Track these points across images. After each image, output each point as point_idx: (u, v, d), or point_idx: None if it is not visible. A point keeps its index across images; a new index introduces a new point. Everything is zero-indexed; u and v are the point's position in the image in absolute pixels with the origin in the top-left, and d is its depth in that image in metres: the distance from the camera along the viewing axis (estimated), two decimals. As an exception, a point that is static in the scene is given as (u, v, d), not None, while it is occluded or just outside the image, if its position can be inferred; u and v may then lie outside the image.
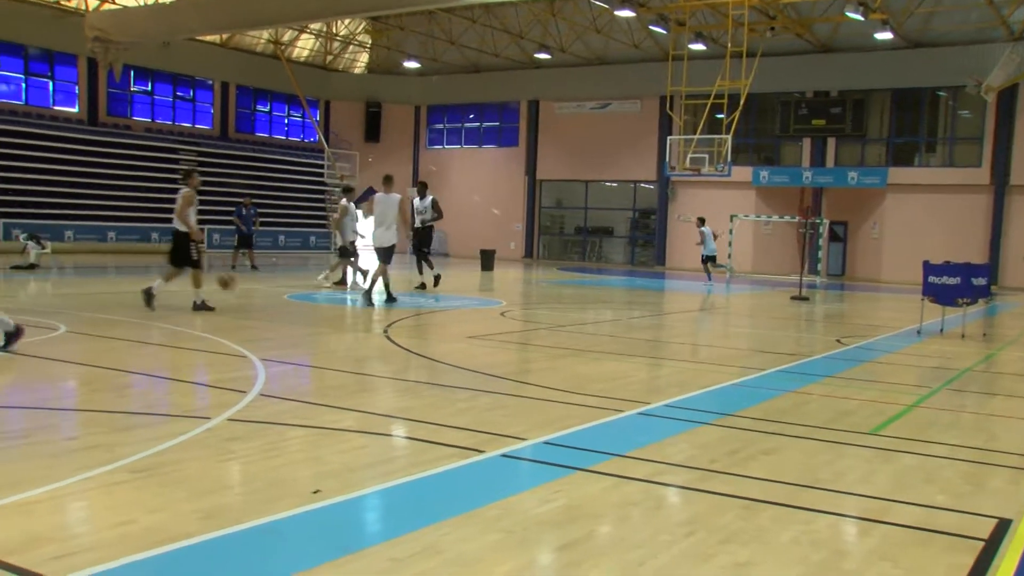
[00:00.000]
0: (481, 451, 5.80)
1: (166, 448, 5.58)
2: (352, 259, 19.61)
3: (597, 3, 36.00)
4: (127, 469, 5.11)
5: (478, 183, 45.47)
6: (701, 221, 27.90)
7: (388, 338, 11.63)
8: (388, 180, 16.33)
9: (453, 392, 7.91)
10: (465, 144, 47.30)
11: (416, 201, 19.58)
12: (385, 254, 16.03)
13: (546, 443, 6.11)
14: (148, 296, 13.37)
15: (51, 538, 4.10)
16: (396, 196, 16.03)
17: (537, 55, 41.25)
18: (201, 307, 13.63)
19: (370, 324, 13.72)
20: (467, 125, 47.28)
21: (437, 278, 19.52)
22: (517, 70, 44.14)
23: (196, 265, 13.79)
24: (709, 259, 27.76)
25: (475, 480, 5.32)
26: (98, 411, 6.64)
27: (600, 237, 44.63)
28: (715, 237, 28.35)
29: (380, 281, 16.24)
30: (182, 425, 6.22)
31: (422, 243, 19.73)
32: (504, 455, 5.77)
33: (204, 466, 5.35)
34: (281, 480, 5.04)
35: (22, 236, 26.07)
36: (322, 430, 6.23)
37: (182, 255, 13.70)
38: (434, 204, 19.47)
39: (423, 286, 19.48)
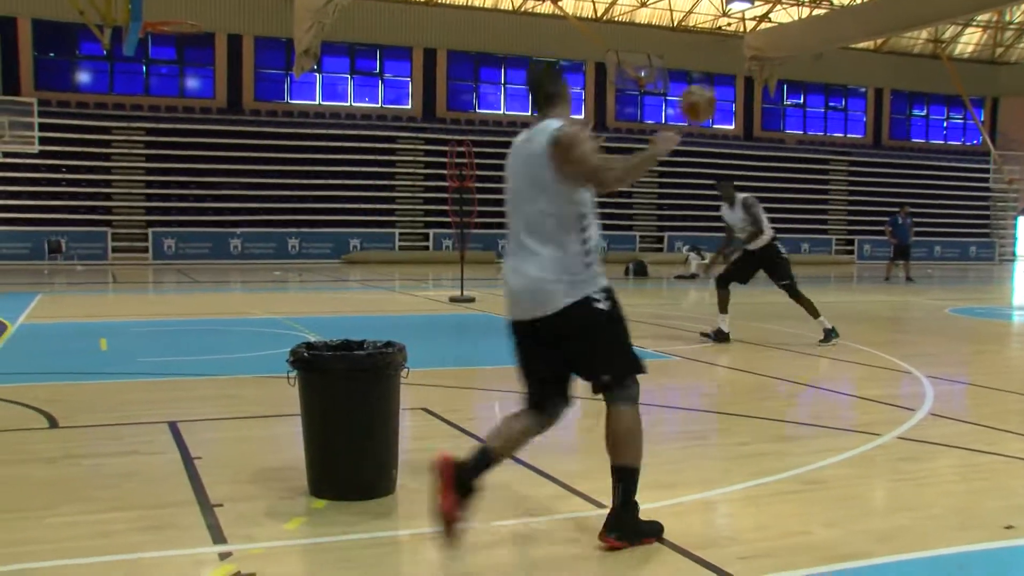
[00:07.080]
0: None
1: (834, 462, 5.45)
2: None
3: None
4: (797, 479, 5.08)
5: None
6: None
7: (1072, 359, 10.36)
8: None
9: None
10: None
11: (725, 210, 11.22)
12: None
13: None
14: None
15: (734, 539, 4.20)
16: None
17: None
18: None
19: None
20: None
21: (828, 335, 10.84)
22: None
23: None
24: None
25: None
26: (764, 418, 6.71)
27: None
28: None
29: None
30: (849, 440, 6.04)
31: (770, 271, 11.14)
32: None
33: (876, 484, 5.16)
34: (964, 508, 4.63)
35: (684, 248, 28.14)
36: (1008, 458, 5.61)
37: None
38: (746, 208, 10.86)
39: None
